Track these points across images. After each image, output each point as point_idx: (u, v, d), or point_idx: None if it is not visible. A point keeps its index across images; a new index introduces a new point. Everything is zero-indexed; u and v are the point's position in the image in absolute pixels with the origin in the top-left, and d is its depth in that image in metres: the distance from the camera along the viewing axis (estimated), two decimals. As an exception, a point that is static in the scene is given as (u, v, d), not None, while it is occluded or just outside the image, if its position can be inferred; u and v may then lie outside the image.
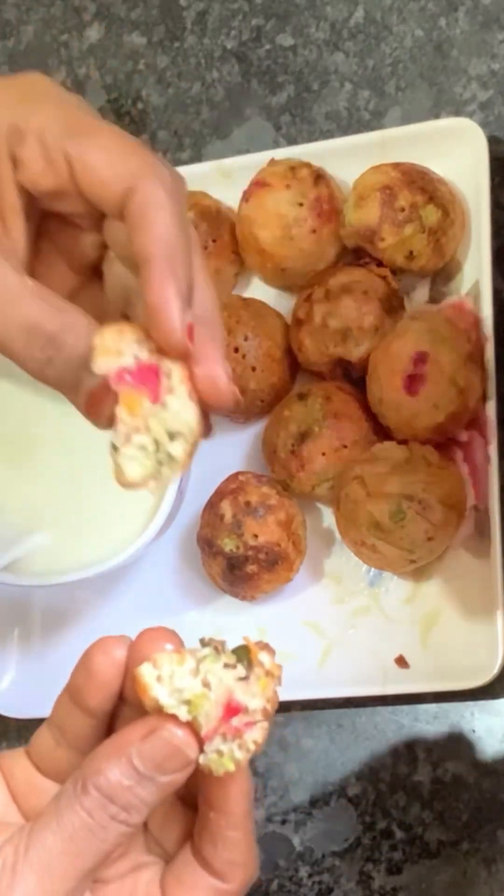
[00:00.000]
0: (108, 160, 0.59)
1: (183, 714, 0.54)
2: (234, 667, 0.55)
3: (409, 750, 0.83)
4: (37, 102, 0.60)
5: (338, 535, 0.83)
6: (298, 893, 0.84)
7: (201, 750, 0.55)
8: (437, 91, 0.89)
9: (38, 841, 0.54)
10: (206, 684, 0.54)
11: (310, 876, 0.84)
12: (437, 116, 0.88)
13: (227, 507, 0.82)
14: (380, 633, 0.83)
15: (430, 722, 0.83)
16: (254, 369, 0.85)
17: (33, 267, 0.65)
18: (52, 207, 0.62)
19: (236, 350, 0.85)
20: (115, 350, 0.60)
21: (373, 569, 0.84)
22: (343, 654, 0.83)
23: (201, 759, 0.55)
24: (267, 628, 0.85)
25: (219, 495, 0.83)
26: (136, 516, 0.83)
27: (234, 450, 0.88)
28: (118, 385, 0.61)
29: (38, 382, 0.82)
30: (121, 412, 0.61)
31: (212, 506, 0.84)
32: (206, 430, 0.61)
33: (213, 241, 0.88)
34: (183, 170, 0.91)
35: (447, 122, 0.85)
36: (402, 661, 0.82)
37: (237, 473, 0.84)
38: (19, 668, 0.92)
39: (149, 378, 0.60)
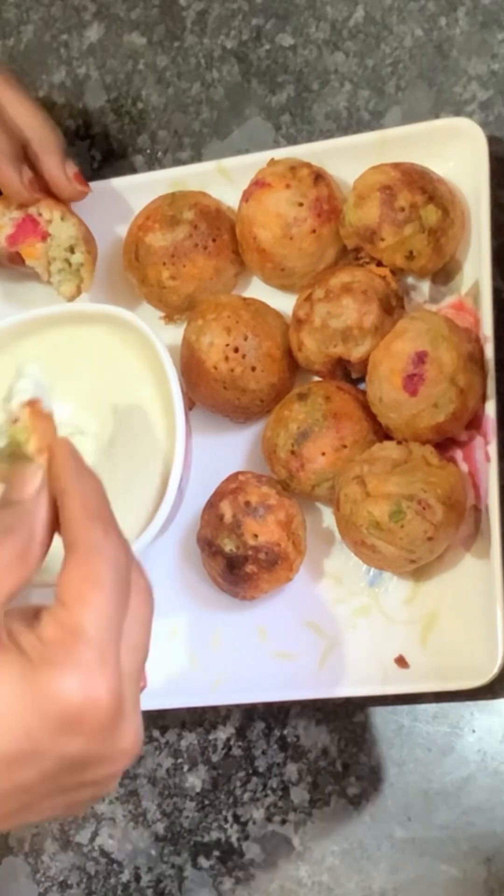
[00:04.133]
0: None
1: None
2: None
3: (410, 750, 0.83)
4: None
5: (338, 535, 0.83)
6: (298, 893, 0.84)
7: None
8: (437, 91, 0.89)
9: None
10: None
11: (310, 876, 0.84)
12: (436, 116, 0.88)
13: (226, 507, 0.82)
14: (380, 633, 0.83)
15: (429, 722, 0.83)
16: (254, 369, 0.85)
17: None
18: None
19: (236, 350, 0.85)
20: None
21: (373, 569, 0.84)
22: (343, 654, 0.83)
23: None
24: (267, 628, 0.85)
25: (219, 495, 0.83)
26: (136, 516, 0.83)
27: (234, 450, 0.88)
28: (15, 246, 0.87)
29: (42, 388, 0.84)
30: (29, 261, 0.87)
31: (212, 506, 0.84)
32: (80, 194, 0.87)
33: (213, 241, 0.88)
34: (183, 170, 0.92)
35: (447, 122, 0.85)
36: (401, 661, 0.82)
37: (237, 473, 0.84)
38: (19, 668, 0.92)
39: (29, 227, 0.86)
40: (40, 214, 0.87)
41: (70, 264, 0.88)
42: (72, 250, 0.88)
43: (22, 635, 0.61)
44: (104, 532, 0.63)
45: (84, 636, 0.60)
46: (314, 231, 0.85)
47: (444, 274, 0.85)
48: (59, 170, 0.87)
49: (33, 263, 0.88)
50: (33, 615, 0.63)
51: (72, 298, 0.89)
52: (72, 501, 0.64)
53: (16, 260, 0.89)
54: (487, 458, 0.81)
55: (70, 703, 0.59)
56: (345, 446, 0.82)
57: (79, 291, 0.88)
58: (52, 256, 0.87)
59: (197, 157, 0.94)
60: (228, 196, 0.89)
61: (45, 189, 0.88)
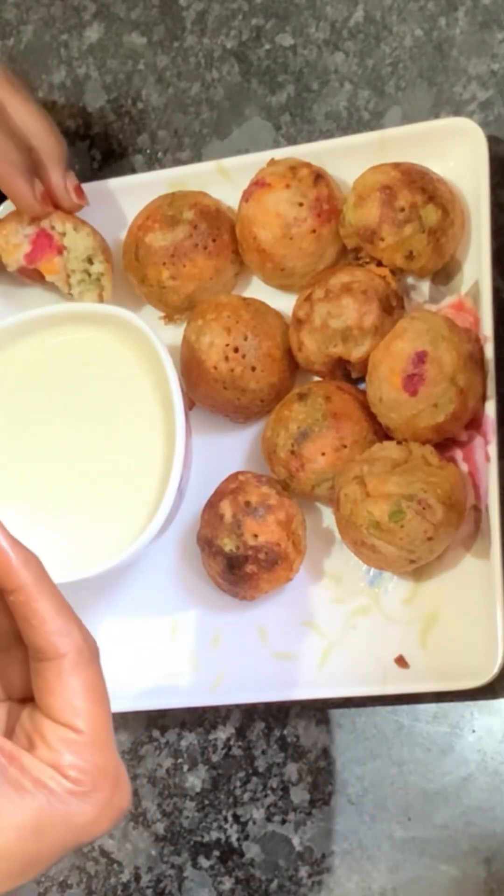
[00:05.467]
0: None
1: None
2: None
3: (409, 750, 0.83)
4: None
5: (338, 535, 0.83)
6: (298, 893, 0.84)
7: None
8: (437, 91, 0.89)
9: None
10: None
11: (310, 876, 0.84)
12: (437, 116, 0.88)
13: (226, 507, 0.82)
14: (379, 633, 0.83)
15: (429, 722, 0.83)
16: (254, 369, 0.85)
17: None
18: None
19: (236, 350, 0.85)
20: (13, 245, 0.87)
21: (373, 569, 0.84)
22: (343, 654, 0.83)
23: None
24: (267, 628, 0.85)
25: (219, 495, 0.83)
26: (136, 516, 0.83)
27: (234, 450, 0.88)
28: (33, 264, 0.87)
29: (42, 391, 0.85)
30: (49, 277, 0.87)
31: (212, 506, 0.84)
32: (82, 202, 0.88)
33: (213, 240, 0.88)
34: (183, 170, 0.92)
35: (447, 122, 0.85)
36: (401, 661, 0.82)
37: (237, 473, 0.84)
38: (19, 668, 0.92)
39: (44, 242, 0.86)
40: (53, 228, 0.87)
41: (90, 274, 0.88)
42: (90, 260, 0.88)
43: (36, 769, 0.60)
44: (80, 630, 0.61)
45: (104, 764, 0.61)
46: (314, 231, 0.85)
47: (444, 274, 0.85)
48: (61, 181, 0.87)
49: (53, 278, 0.88)
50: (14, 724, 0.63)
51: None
52: (40, 604, 0.60)
53: (32, 275, 0.89)
54: (487, 458, 0.81)
55: (97, 828, 0.61)
56: (345, 446, 0.82)
57: (101, 300, 0.88)
58: (70, 269, 0.87)
59: (197, 157, 0.94)
60: (228, 196, 0.89)
61: (53, 200, 0.88)
